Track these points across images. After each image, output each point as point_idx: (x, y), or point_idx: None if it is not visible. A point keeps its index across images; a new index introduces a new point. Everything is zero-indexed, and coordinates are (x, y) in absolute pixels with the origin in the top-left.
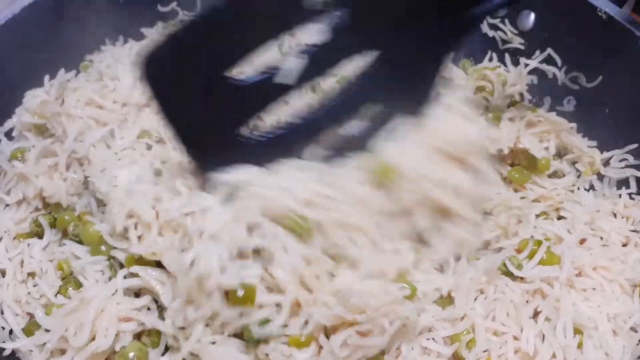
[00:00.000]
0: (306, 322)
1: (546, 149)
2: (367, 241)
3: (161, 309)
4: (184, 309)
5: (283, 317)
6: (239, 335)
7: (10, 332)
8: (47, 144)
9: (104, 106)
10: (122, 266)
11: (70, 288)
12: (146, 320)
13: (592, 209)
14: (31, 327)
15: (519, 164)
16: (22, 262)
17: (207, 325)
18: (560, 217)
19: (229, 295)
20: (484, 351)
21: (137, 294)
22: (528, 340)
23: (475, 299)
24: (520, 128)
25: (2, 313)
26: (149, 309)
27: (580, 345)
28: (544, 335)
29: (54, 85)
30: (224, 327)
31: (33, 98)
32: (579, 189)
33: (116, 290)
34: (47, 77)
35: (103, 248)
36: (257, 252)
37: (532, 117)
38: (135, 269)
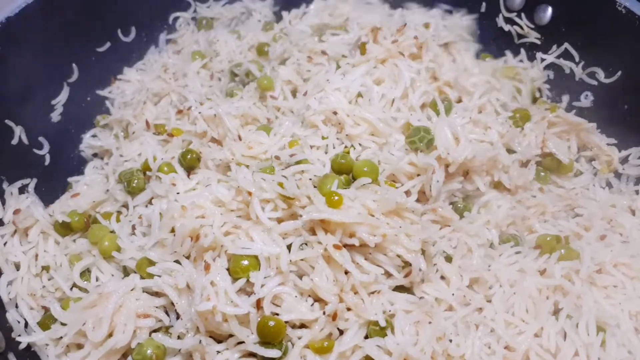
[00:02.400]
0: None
1: (568, 148)
2: None
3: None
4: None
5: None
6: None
7: (26, 325)
8: None
9: None
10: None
11: (85, 281)
12: (164, 318)
13: (606, 204)
14: (47, 321)
15: (541, 165)
16: (37, 255)
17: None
18: (576, 216)
19: (259, 323)
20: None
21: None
22: (549, 338)
23: (494, 294)
24: (545, 130)
25: (17, 307)
26: (166, 309)
27: (603, 344)
28: (565, 333)
29: None
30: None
31: None
32: (594, 185)
33: (135, 286)
34: None
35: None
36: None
37: (552, 118)
38: (152, 269)
